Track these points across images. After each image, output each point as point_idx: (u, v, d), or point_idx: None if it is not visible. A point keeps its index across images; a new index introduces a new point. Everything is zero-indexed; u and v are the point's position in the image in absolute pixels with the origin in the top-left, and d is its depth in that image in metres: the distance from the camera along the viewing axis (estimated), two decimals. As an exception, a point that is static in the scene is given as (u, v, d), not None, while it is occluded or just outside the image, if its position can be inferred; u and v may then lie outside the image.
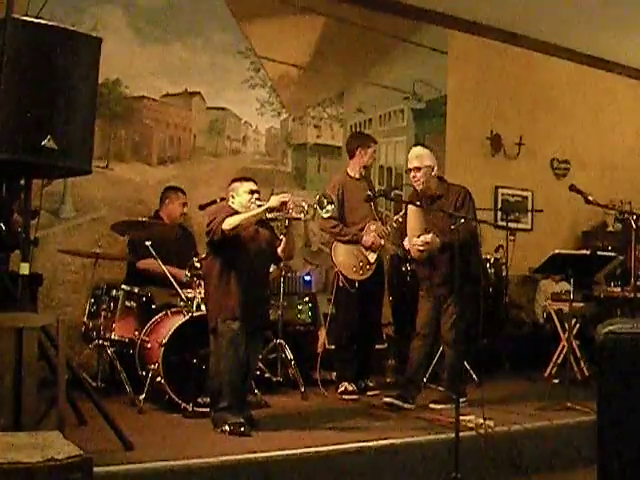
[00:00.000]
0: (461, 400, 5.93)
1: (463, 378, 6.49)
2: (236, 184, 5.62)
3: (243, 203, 5.47)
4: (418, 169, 6.20)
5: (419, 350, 6.29)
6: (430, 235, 6.02)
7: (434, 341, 6.34)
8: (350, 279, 6.75)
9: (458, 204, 6.15)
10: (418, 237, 6.08)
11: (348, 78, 8.95)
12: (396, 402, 6.12)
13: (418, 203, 6.08)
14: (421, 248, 6.08)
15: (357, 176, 6.95)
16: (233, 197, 5.55)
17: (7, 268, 5.56)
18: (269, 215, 5.42)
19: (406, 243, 6.33)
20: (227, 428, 5.13)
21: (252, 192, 5.53)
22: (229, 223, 5.21)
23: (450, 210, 5.91)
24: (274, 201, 5.31)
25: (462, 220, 5.35)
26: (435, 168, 6.30)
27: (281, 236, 5.62)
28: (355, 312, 6.79)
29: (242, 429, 5.12)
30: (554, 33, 10.02)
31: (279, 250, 5.66)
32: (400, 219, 6.78)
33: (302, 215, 5.41)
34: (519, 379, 7.80)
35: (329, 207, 5.46)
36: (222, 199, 6.25)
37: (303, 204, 5.43)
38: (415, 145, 6.64)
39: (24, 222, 4.27)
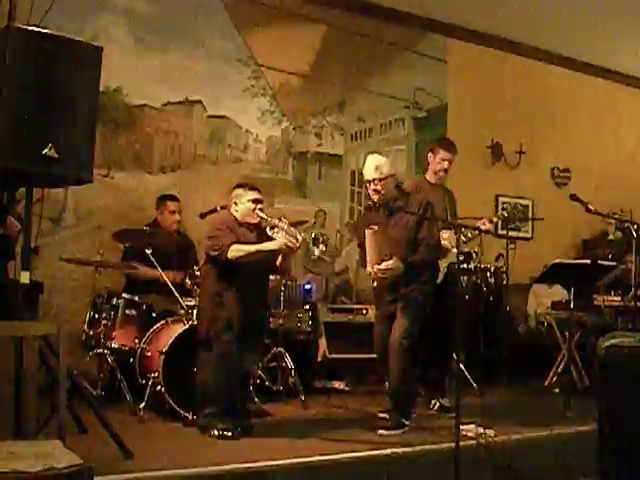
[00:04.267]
0: (405, 424, 5.70)
1: (410, 397, 5.98)
2: (239, 191, 5.61)
3: (245, 212, 5.49)
4: (379, 180, 5.79)
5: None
6: (392, 261, 5.62)
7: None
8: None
9: (420, 215, 5.77)
10: (379, 264, 5.65)
11: (349, 87, 8.97)
12: (390, 433, 5.67)
13: (376, 227, 5.66)
14: (383, 276, 5.70)
15: (433, 181, 6.77)
16: (236, 204, 5.56)
17: (7, 276, 5.58)
18: (269, 232, 5.45)
19: (369, 269, 5.81)
20: (215, 433, 5.20)
21: (255, 201, 5.54)
22: (234, 255, 5.28)
23: (412, 222, 5.72)
24: (282, 244, 5.35)
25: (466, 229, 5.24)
26: (396, 176, 6.02)
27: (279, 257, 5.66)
28: None
29: (230, 434, 5.17)
30: (554, 41, 10.03)
31: (277, 263, 5.68)
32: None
33: (292, 243, 5.38)
34: (519, 388, 7.78)
35: (322, 247, 5.50)
36: (223, 207, 6.25)
37: (297, 235, 5.41)
38: (371, 153, 6.11)
39: (25, 230, 4.26)
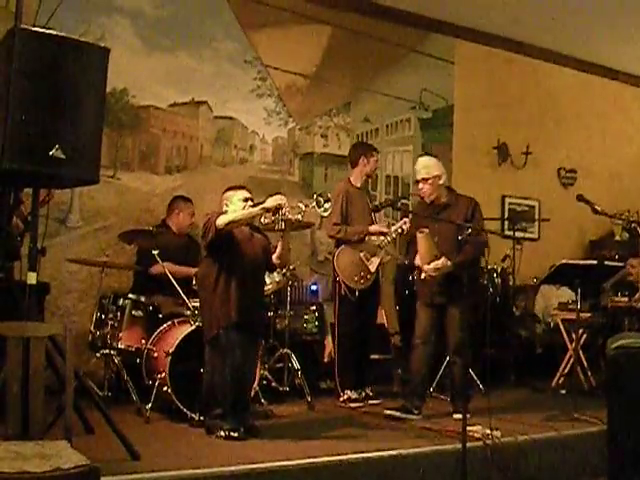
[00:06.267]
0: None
1: (469, 387, 6.42)
2: (229, 193, 5.62)
3: (237, 210, 5.46)
4: (425, 180, 6.17)
5: (420, 360, 6.23)
6: (441, 261, 5.96)
7: (434, 350, 6.27)
8: (351, 288, 6.75)
9: (468, 216, 6.12)
10: (429, 264, 6.01)
11: (355, 88, 8.97)
12: (396, 414, 6.10)
13: (426, 230, 5.96)
14: (433, 274, 6.03)
15: (359, 185, 7.00)
16: (227, 205, 5.54)
17: (12, 277, 5.59)
18: (265, 220, 5.44)
19: (417, 262, 6.20)
20: (222, 434, 5.19)
21: (246, 200, 5.52)
22: (222, 219, 5.23)
23: (459, 221, 5.91)
24: (270, 201, 5.31)
25: (469, 230, 5.36)
26: (443, 177, 6.26)
27: (279, 242, 5.63)
28: (356, 320, 6.81)
29: (236, 434, 5.17)
30: (560, 42, 10.02)
31: (274, 256, 5.67)
32: (400, 230, 6.79)
33: (300, 216, 5.41)
34: (526, 389, 7.78)
35: (326, 205, 5.47)
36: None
37: (300, 205, 5.44)
38: (421, 155, 6.56)
39: (32, 231, 4.27)
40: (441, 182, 6.23)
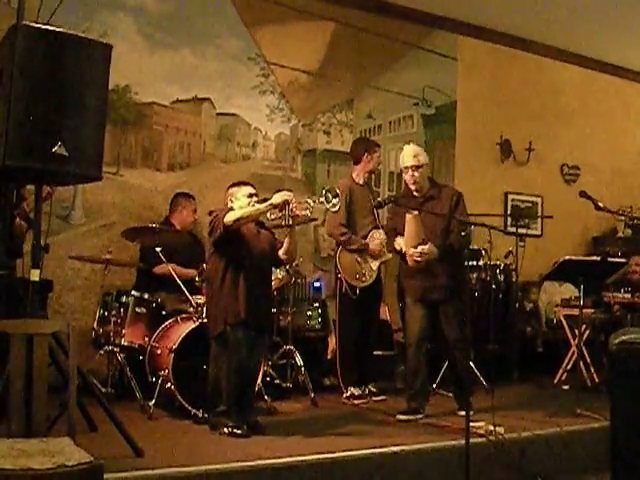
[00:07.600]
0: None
1: (472, 382, 6.43)
2: (234, 189, 5.62)
3: (243, 207, 5.45)
4: (417, 167, 6.05)
5: (418, 360, 6.12)
6: (428, 246, 5.85)
7: (429, 347, 6.23)
8: (352, 286, 6.75)
9: (452, 207, 6.02)
10: (415, 247, 5.89)
11: (358, 84, 8.96)
12: (412, 418, 5.99)
13: (416, 212, 5.86)
14: (418, 259, 5.91)
15: (361, 182, 6.99)
16: (232, 201, 5.54)
17: (15, 274, 5.59)
18: (272, 217, 5.43)
19: (398, 244, 6.10)
20: (225, 431, 5.20)
21: (251, 195, 5.53)
22: (230, 216, 5.23)
23: (444, 212, 5.86)
24: (278, 198, 5.28)
25: (467, 223, 5.33)
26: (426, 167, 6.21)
27: (286, 238, 5.61)
28: (357, 318, 6.81)
29: (240, 431, 5.18)
30: (564, 38, 10.01)
31: (281, 252, 5.66)
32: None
33: (308, 212, 5.40)
34: (529, 385, 7.77)
35: (335, 200, 5.43)
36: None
37: (308, 200, 5.44)
38: (407, 143, 6.39)
39: (35, 228, 4.27)
40: (428, 172, 6.22)
